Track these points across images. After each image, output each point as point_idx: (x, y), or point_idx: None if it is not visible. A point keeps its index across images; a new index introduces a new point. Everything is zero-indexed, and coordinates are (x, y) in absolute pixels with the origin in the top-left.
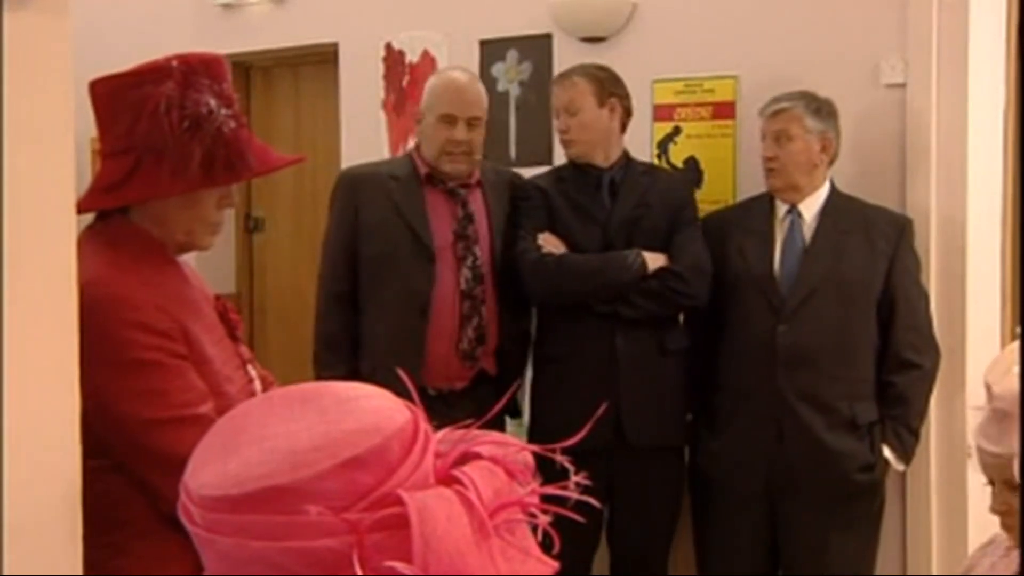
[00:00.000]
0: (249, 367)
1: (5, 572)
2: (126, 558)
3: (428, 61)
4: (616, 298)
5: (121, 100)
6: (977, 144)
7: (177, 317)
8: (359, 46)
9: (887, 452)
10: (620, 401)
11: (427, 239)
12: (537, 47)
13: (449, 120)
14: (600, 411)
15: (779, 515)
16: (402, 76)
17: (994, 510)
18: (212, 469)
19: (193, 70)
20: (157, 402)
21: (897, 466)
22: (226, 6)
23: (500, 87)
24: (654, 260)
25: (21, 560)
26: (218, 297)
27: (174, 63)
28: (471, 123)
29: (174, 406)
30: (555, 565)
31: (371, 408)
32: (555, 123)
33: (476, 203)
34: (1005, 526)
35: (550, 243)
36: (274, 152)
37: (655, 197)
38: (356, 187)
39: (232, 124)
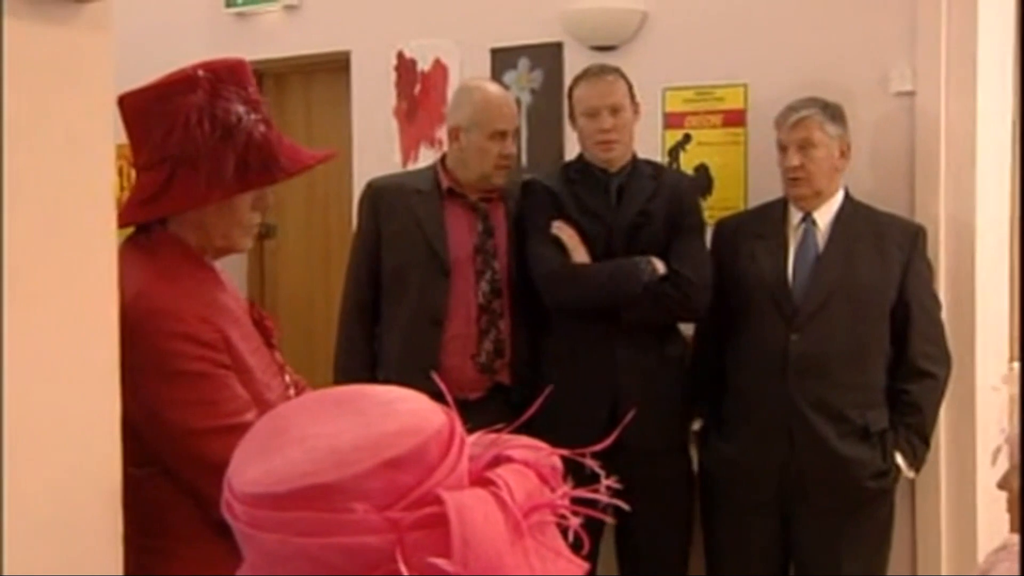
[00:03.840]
0: (285, 374)
1: (47, 573)
2: (173, 563)
3: (440, 69)
4: (626, 305)
5: (151, 113)
6: (986, 151)
7: (219, 327)
8: (371, 54)
9: (899, 459)
10: (619, 406)
11: (443, 252)
12: (548, 55)
13: (501, 135)
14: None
15: (790, 522)
16: (414, 84)
17: None
18: (255, 467)
19: (219, 78)
20: (204, 412)
21: (908, 474)
22: (239, 14)
23: (511, 95)
24: (663, 267)
25: (63, 562)
26: (253, 304)
27: (200, 73)
28: (512, 135)
29: (220, 415)
30: (585, 566)
31: (409, 410)
32: (585, 123)
33: (497, 217)
34: None
35: (564, 232)
36: (305, 150)
37: (660, 201)
38: (379, 198)
39: (262, 128)
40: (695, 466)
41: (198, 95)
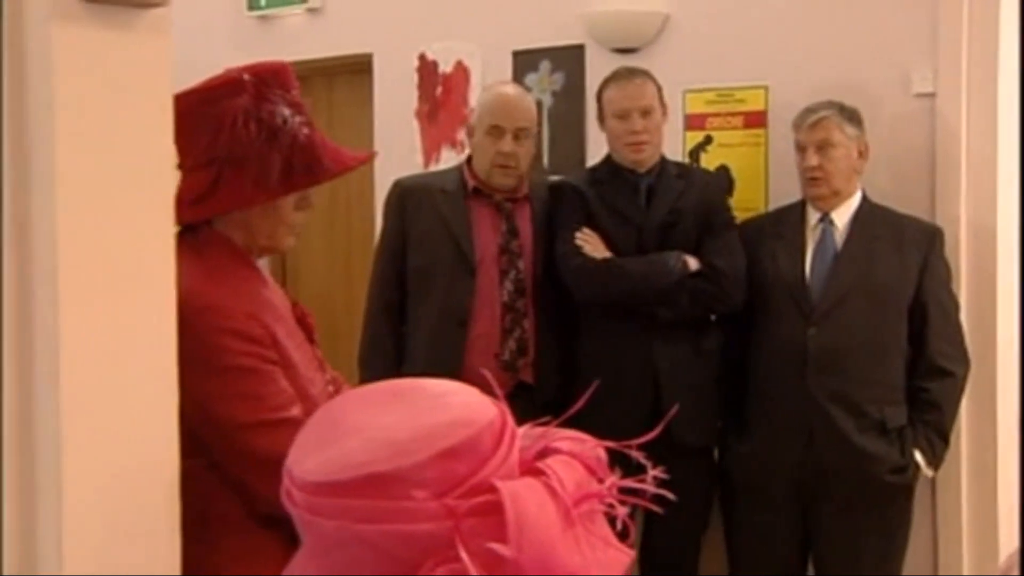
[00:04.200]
0: (325, 370)
1: (107, 571)
2: (219, 554)
3: (461, 71)
4: (658, 301)
5: (198, 116)
6: (1007, 153)
7: (266, 324)
8: (393, 56)
9: (918, 456)
10: (660, 402)
11: (468, 252)
12: (570, 58)
13: (496, 132)
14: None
15: (810, 517)
16: (435, 86)
17: None
18: (315, 457)
19: (264, 81)
20: (252, 406)
21: (927, 471)
22: (262, 17)
23: (533, 97)
24: (694, 263)
25: (124, 558)
26: (296, 303)
27: (245, 76)
28: (517, 135)
29: (268, 409)
30: (632, 553)
31: (462, 403)
32: (615, 125)
33: (523, 217)
34: None
35: (590, 242)
36: (346, 151)
37: (690, 200)
38: (406, 198)
39: (305, 130)
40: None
41: (244, 98)
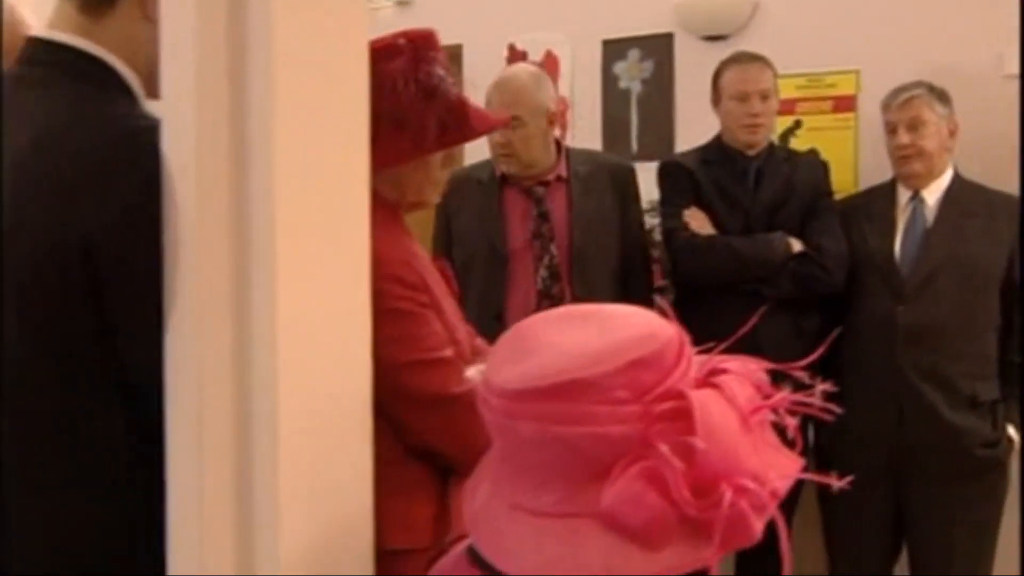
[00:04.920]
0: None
1: (317, 487)
2: (377, 483)
3: (551, 61)
4: (761, 279)
5: None
6: None
7: (418, 271)
8: (483, 47)
9: (1011, 431)
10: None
11: (499, 243)
12: (659, 46)
13: None
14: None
15: (902, 492)
16: None
17: None
18: (512, 368)
19: (418, 45)
20: (408, 346)
21: (1020, 444)
22: None
23: (622, 84)
24: (797, 244)
25: (331, 475)
26: (435, 257)
27: (401, 40)
28: (509, 123)
29: (424, 350)
30: (801, 462)
31: (644, 321)
32: (733, 107)
33: (556, 199)
34: None
35: (696, 219)
36: (486, 112)
37: (797, 184)
38: (450, 194)
39: (455, 90)
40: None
41: (401, 60)
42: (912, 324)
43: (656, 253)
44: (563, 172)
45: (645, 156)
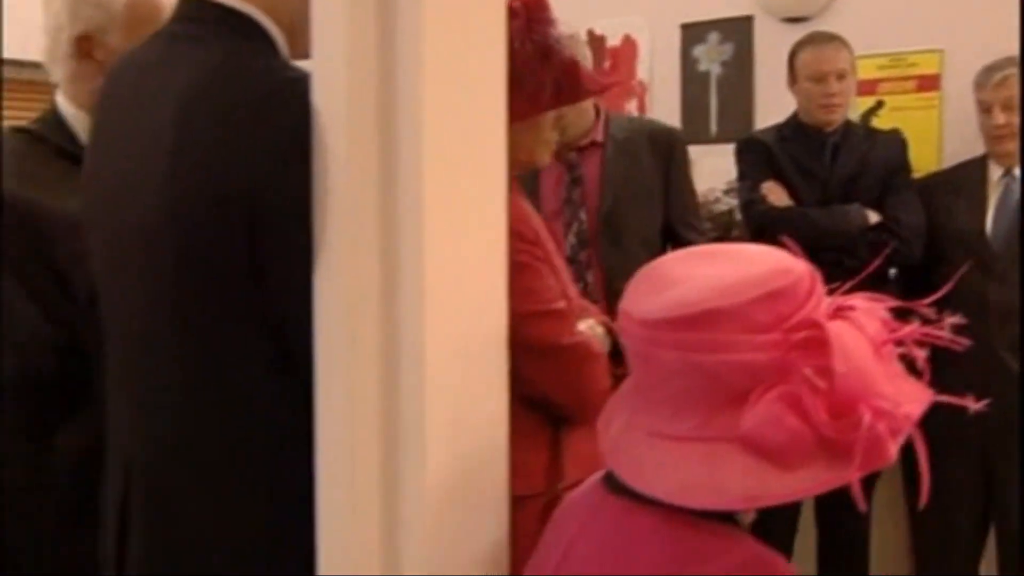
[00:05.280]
0: None
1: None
2: None
3: (629, 45)
4: (838, 249)
5: None
6: None
7: (535, 228)
8: None
9: None
10: None
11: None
12: (738, 29)
13: None
14: None
15: (991, 469)
16: (603, 60)
17: None
18: (652, 300)
19: (531, 7)
20: (527, 298)
21: None
22: None
23: (701, 67)
24: (874, 216)
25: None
26: (546, 220)
27: (515, 3)
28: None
29: (540, 302)
30: (931, 392)
31: (777, 257)
32: (810, 87)
33: (589, 165)
34: None
35: (774, 192)
36: (598, 75)
37: (874, 159)
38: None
39: (568, 51)
40: None
41: (517, 22)
42: (1004, 301)
43: (736, 232)
44: (599, 137)
45: (724, 139)
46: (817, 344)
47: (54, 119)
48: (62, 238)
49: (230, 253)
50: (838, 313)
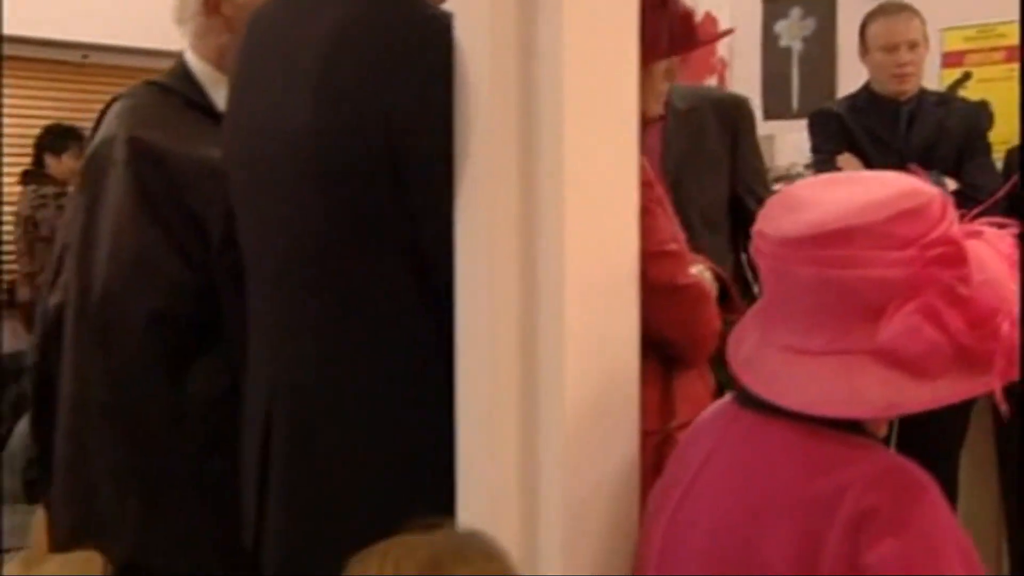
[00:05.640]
0: None
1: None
2: None
3: (709, 21)
4: None
5: None
6: None
7: (649, 174)
8: None
9: None
10: None
11: None
12: (821, 4)
13: None
14: None
15: None
16: None
17: None
18: (787, 220)
19: None
20: (647, 238)
21: None
22: None
23: (783, 43)
24: (952, 183)
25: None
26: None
27: None
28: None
29: (656, 242)
30: None
31: (908, 180)
32: (882, 58)
33: (651, 137)
34: None
35: (849, 164)
36: (708, 26)
37: (951, 127)
38: None
39: (683, 1)
40: None
41: None
42: None
43: None
44: (660, 111)
45: (806, 114)
46: (953, 259)
47: (182, 72)
48: (195, 183)
49: (375, 187)
50: (970, 235)
